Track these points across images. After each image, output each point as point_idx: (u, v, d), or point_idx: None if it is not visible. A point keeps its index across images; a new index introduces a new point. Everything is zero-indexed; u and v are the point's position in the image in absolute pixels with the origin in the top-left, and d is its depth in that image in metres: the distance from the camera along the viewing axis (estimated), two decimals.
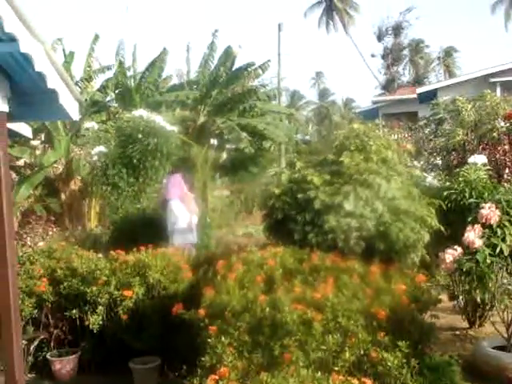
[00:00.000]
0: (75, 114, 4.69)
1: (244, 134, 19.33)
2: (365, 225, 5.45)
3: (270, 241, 6.37)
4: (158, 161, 9.91)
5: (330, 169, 6.03)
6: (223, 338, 3.83)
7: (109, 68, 18.82)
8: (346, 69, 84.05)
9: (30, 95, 4.57)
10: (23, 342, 5.15)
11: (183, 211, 7.64)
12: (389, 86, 42.39)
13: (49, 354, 5.86)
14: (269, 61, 22.93)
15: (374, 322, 4.00)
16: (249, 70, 22.36)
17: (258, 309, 3.99)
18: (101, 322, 5.55)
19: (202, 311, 4.24)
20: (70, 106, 4.59)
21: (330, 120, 43.71)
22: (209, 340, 3.90)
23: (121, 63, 19.46)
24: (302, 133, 26.99)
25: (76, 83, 15.81)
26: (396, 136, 14.27)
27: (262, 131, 20.77)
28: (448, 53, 43.48)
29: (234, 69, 22.53)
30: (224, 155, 18.91)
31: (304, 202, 5.78)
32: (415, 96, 23.28)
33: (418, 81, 41.01)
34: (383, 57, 44.63)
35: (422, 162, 11.73)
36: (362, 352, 3.80)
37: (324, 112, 47.53)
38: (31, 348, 5.71)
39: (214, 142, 18.39)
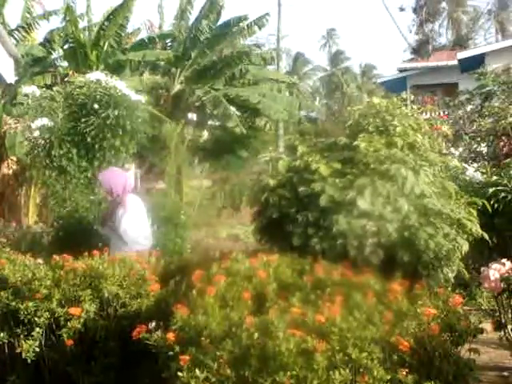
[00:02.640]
0: (10, 75, 4.64)
1: (233, 109, 19.39)
2: (384, 229, 5.47)
3: (262, 246, 6.38)
4: (120, 140, 9.86)
5: (341, 155, 6.05)
6: (198, 372, 3.81)
7: (55, 13, 18.63)
8: (366, 26, 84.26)
9: None
10: None
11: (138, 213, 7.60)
12: (421, 49, 42.46)
13: None
14: (267, 14, 22.96)
15: (393, 356, 4.00)
16: (240, 25, 22.38)
17: (243, 334, 3.97)
18: (38, 349, 5.49)
19: (171, 335, 4.22)
20: (3, 63, 4.54)
21: (343, 92, 43.84)
22: (179, 374, 3.89)
23: (69, 9, 19.26)
24: (306, 108, 26.96)
25: (10, 33, 15.71)
26: (428, 115, 14.28)
27: (256, 105, 20.82)
28: (503, 4, 43.53)
29: (220, 23, 22.53)
30: (205, 134, 18.93)
31: (307, 197, 5.81)
32: (455, 63, 23.40)
33: (459, 43, 41.16)
34: (415, 10, 44.66)
35: (461, 150, 11.79)
36: None
37: (336, 81, 47.62)
38: None
39: (192, 116, 18.38)
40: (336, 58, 53.30)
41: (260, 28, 23.09)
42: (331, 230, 5.56)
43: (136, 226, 7.44)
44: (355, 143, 5.99)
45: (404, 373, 3.91)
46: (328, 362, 3.79)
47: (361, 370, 3.81)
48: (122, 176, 7.93)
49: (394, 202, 5.57)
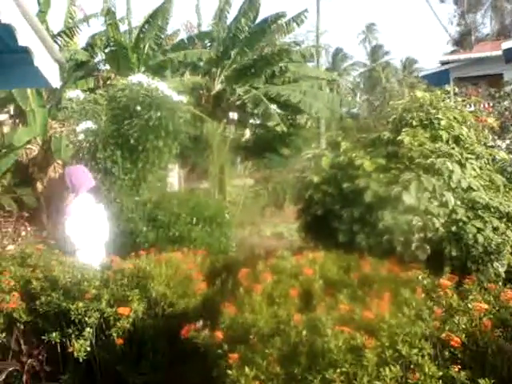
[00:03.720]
0: (55, 80, 4.70)
1: (273, 107, 19.34)
2: (431, 223, 5.43)
3: (307, 243, 6.38)
4: (162, 141, 9.94)
5: (385, 150, 6.03)
6: (247, 370, 3.81)
7: (95, 17, 18.79)
8: (406, 19, 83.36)
9: None
10: None
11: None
12: (463, 40, 41.91)
13: None
14: (305, 11, 22.86)
15: (445, 352, 3.95)
16: (279, 22, 22.34)
17: (292, 332, 3.97)
18: (88, 349, 5.59)
19: (219, 334, 4.24)
20: (49, 68, 4.60)
21: (385, 87, 43.39)
22: (229, 372, 3.89)
23: (110, 12, 19.45)
24: (347, 104, 26.80)
25: (53, 39, 15.95)
26: (473, 107, 14.08)
27: (296, 103, 20.77)
28: None
29: (258, 21, 22.54)
30: (247, 133, 18.96)
31: (351, 193, 5.79)
32: (499, 53, 22.96)
33: (503, 33, 40.41)
34: (456, 1, 44.06)
35: (508, 141, 11.59)
36: None
37: (376, 77, 47.22)
38: None
39: (233, 116, 18.41)
40: (376, 52, 52.88)
41: (299, 25, 23.02)
42: (377, 226, 5.53)
43: (79, 234, 7.28)
44: (399, 138, 5.95)
45: (456, 369, 3.85)
46: (378, 359, 3.75)
47: (411, 366, 3.78)
48: (84, 174, 7.95)
49: (441, 196, 5.52)
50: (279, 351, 3.94)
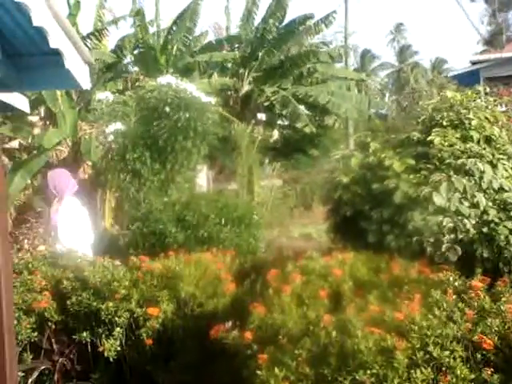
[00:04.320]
0: (86, 82, 4.73)
1: (301, 108, 19.31)
2: (462, 224, 5.38)
3: (336, 244, 6.36)
4: (191, 142, 9.98)
5: (414, 151, 5.99)
6: (277, 371, 3.82)
7: (124, 19, 18.90)
8: (436, 19, 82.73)
9: (27, 58, 4.62)
10: (19, 373, 5.23)
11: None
12: (494, 40, 41.47)
13: None
14: (334, 12, 22.80)
15: (477, 354, 3.91)
16: (307, 24, 22.31)
17: (321, 332, 3.97)
18: (118, 348, 5.64)
19: (248, 334, 4.25)
20: (79, 70, 4.63)
21: (413, 88, 43.10)
22: (258, 372, 3.91)
23: (139, 14, 19.58)
24: (375, 105, 26.67)
25: (83, 41, 16.10)
26: (505, 107, 13.93)
27: (325, 103, 20.72)
28: None
29: (286, 22, 22.53)
30: (275, 134, 18.92)
31: (381, 194, 5.77)
32: None
33: None
34: (487, 0, 43.59)
35: None
36: None
37: (405, 77, 46.93)
38: (29, 381, 5.74)
39: (261, 116, 18.41)
40: (404, 53, 52.57)
41: (327, 26, 22.97)
42: (406, 227, 5.50)
43: (69, 239, 7.30)
44: (429, 138, 5.92)
45: (489, 372, 3.82)
46: (408, 361, 3.74)
47: (443, 368, 3.75)
48: (67, 177, 7.94)
49: (472, 197, 5.48)
50: (309, 352, 3.94)
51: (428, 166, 5.77)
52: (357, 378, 3.68)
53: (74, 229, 7.41)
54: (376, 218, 5.70)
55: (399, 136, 6.61)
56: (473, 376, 3.76)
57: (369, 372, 3.69)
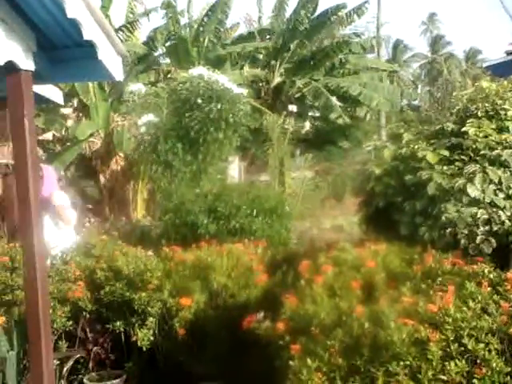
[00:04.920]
0: (119, 73, 4.75)
1: (334, 99, 19.21)
2: (497, 216, 5.31)
3: (368, 236, 6.32)
4: (223, 133, 10.01)
5: (448, 142, 5.92)
6: (309, 361, 3.81)
7: (156, 10, 18.99)
8: (470, 9, 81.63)
9: (61, 50, 4.67)
10: (55, 361, 5.31)
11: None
12: None
13: (86, 377, 6.00)
14: (366, 2, 22.63)
15: None
16: (339, 14, 22.19)
17: (354, 323, 3.96)
18: (151, 338, 5.69)
19: (281, 325, 4.26)
20: (112, 62, 4.65)
21: (447, 78, 42.68)
22: (291, 363, 3.91)
23: (170, 6, 19.64)
24: (408, 96, 26.45)
25: (115, 33, 16.21)
26: None
27: (357, 95, 20.60)
28: None
29: (318, 13, 22.42)
30: (307, 126, 18.90)
31: (414, 185, 5.72)
32: None
33: None
34: None
35: None
36: None
37: (438, 68, 46.45)
38: (64, 369, 5.83)
39: (292, 108, 18.39)
40: (437, 43, 51.94)
41: (359, 16, 22.85)
42: (440, 219, 5.44)
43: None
44: (464, 129, 5.83)
45: None
46: (442, 353, 3.71)
47: (478, 361, 3.71)
48: (51, 172, 8.03)
49: (507, 188, 5.40)
50: (341, 343, 3.92)
51: (462, 157, 5.70)
52: (390, 369, 3.66)
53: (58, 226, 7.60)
54: (409, 210, 5.65)
55: (432, 127, 6.54)
56: (509, 369, 3.70)
57: (402, 363, 3.67)
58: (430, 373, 3.62)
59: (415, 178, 5.68)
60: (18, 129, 4.21)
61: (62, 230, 7.65)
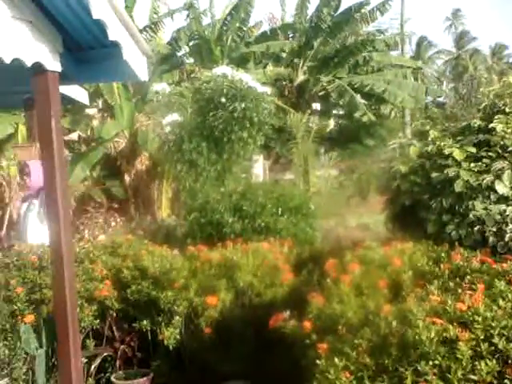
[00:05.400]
0: (144, 73, 4.77)
1: (358, 97, 19.12)
2: None
3: (394, 234, 6.28)
4: (247, 132, 10.00)
5: (475, 139, 5.85)
6: (337, 360, 3.79)
7: (179, 10, 19.03)
8: (495, 3, 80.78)
9: (87, 50, 4.70)
10: (83, 359, 5.34)
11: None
12: None
13: (113, 375, 6.05)
14: None
15: None
16: (362, 11, 22.08)
17: (381, 322, 3.93)
18: (178, 337, 5.70)
19: (307, 324, 4.24)
20: (137, 62, 4.67)
21: (472, 75, 42.29)
22: (318, 362, 3.89)
23: (192, 7, 19.69)
24: (433, 93, 26.24)
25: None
26: None
27: (381, 93, 20.49)
28: None
29: (341, 10, 22.34)
30: (331, 124, 18.84)
31: (440, 183, 5.67)
32: None
33: None
34: None
35: None
36: None
37: (463, 64, 46.03)
38: (92, 367, 5.88)
39: (316, 106, 18.38)
40: (462, 39, 51.48)
41: (382, 13, 22.72)
42: (468, 216, 5.39)
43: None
44: (491, 125, 5.77)
45: None
46: (472, 352, 3.66)
47: (509, 361, 3.66)
48: (39, 168, 8.04)
49: None
50: (369, 342, 3.89)
51: (490, 153, 5.63)
52: (419, 368, 3.62)
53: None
54: (435, 208, 5.60)
55: (459, 124, 6.49)
56: None
57: (431, 363, 3.63)
58: (459, 372, 3.57)
59: (442, 176, 5.63)
60: (45, 129, 4.24)
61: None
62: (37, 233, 7.54)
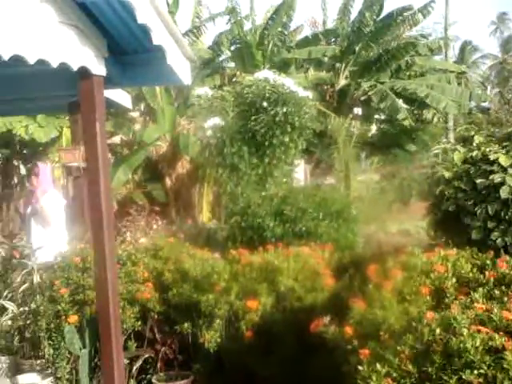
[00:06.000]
0: (187, 77, 4.80)
1: (400, 102, 18.93)
2: None
3: (436, 240, 6.22)
4: (289, 136, 10.00)
5: None
6: (379, 366, 3.76)
7: (221, 15, 19.12)
8: None
9: (131, 55, 4.74)
10: (125, 360, 5.37)
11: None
12: None
13: (154, 377, 6.08)
14: (432, 1, 22.24)
15: None
16: (404, 15, 21.91)
17: (424, 329, 3.88)
18: (218, 340, 5.72)
19: (349, 329, 4.22)
20: (181, 66, 4.71)
21: None
22: (359, 368, 3.86)
23: (234, 11, 19.76)
24: (477, 98, 25.87)
25: None
26: None
27: (423, 97, 20.28)
28: None
29: (383, 15, 22.20)
30: (373, 129, 18.72)
31: (485, 188, 5.62)
32: None
33: None
34: None
35: None
36: None
37: (509, 69, 45.31)
38: (134, 368, 5.93)
39: (358, 111, 18.28)
40: (508, 43, 50.76)
41: (424, 17, 22.46)
42: None
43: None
44: None
45: None
46: None
47: None
48: (48, 171, 8.26)
49: None
50: (411, 349, 3.84)
51: None
52: (463, 377, 3.57)
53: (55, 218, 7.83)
54: (480, 214, 5.55)
55: (504, 129, 6.41)
56: None
57: (476, 372, 3.58)
58: (506, 383, 3.52)
59: (487, 182, 5.58)
60: (90, 133, 4.30)
61: (47, 230, 7.80)
62: (38, 237, 7.68)
